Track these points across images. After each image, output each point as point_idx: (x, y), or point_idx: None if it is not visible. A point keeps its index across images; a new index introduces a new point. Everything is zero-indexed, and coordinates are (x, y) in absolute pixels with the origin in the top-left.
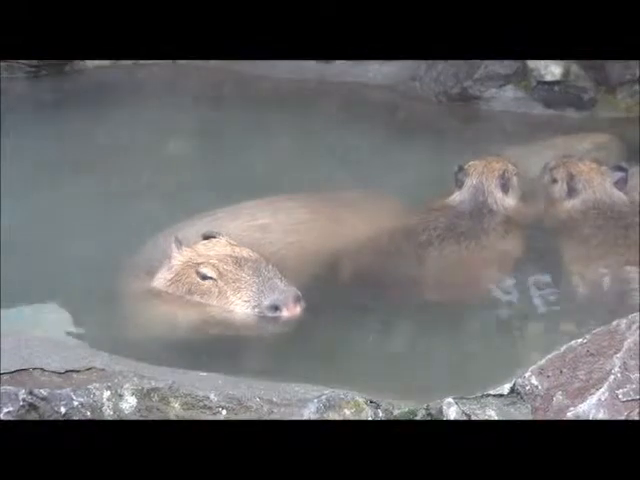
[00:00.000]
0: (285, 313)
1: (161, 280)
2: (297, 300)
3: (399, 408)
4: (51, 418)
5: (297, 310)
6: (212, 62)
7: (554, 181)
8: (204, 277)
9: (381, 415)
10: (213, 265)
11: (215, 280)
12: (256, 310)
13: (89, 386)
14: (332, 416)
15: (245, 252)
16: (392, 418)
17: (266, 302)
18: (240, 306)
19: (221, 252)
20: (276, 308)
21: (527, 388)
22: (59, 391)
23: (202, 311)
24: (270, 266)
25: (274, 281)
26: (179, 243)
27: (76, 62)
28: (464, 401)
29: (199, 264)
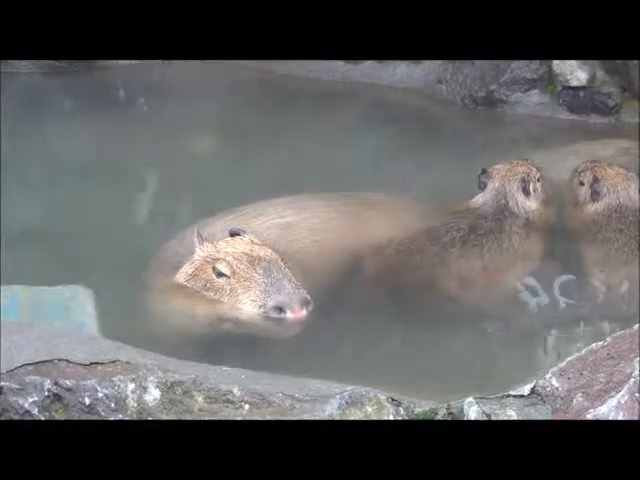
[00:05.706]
0: (289, 315)
1: (182, 274)
2: (303, 303)
3: (420, 407)
4: (75, 409)
5: (302, 313)
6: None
7: (581, 184)
8: (219, 274)
9: (402, 413)
10: (228, 262)
11: (228, 277)
12: (261, 310)
13: (114, 378)
14: (354, 412)
15: (263, 251)
16: (413, 416)
17: (270, 303)
18: (247, 305)
19: (239, 250)
20: (280, 310)
21: (548, 389)
22: (84, 382)
23: (214, 307)
24: (283, 267)
25: (282, 282)
26: (201, 238)
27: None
28: (485, 401)
29: (216, 260)
